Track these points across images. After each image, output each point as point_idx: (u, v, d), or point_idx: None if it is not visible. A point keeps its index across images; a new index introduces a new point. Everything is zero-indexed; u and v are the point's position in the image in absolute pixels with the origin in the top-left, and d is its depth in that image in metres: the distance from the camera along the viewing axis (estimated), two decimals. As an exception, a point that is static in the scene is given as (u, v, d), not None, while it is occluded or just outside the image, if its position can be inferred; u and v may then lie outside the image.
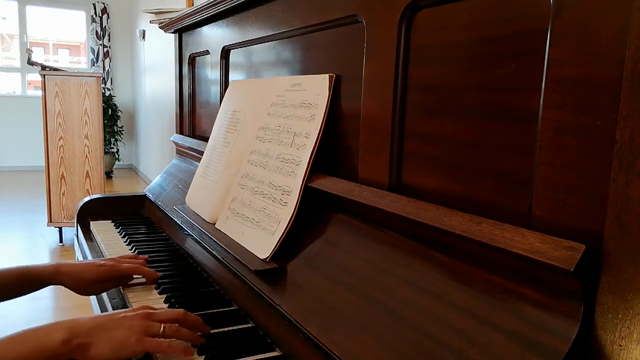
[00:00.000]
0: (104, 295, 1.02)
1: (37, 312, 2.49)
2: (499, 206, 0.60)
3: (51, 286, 0.97)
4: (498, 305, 0.52)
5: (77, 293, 0.99)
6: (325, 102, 0.87)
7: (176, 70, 1.75)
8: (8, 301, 0.94)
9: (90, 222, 1.52)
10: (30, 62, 3.60)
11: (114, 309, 0.96)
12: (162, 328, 0.72)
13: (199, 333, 0.78)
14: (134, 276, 1.02)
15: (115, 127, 6.79)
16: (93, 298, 1.06)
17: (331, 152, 0.90)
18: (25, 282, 0.95)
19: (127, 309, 0.76)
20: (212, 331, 0.81)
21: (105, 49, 7.03)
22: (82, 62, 7.58)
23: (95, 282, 0.97)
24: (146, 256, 1.11)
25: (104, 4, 6.96)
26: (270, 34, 1.10)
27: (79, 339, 0.68)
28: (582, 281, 0.46)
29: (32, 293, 0.97)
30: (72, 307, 2.56)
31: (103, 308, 0.99)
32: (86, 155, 3.56)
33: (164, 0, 4.57)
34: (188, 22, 1.52)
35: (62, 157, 3.50)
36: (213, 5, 1.28)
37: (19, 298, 0.96)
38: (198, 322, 0.78)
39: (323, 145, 0.88)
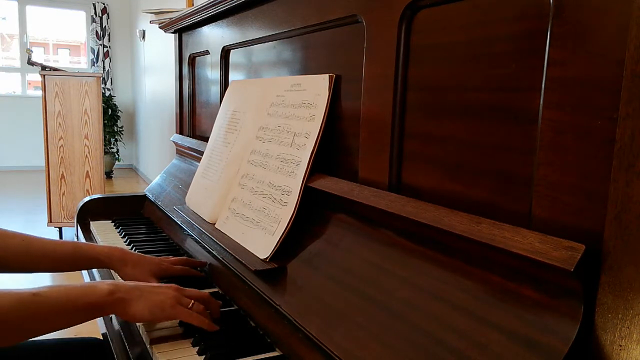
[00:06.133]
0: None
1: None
2: (499, 206, 0.60)
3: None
4: (498, 305, 0.52)
5: (123, 279, 0.98)
6: (325, 102, 0.87)
7: (176, 70, 1.75)
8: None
9: (90, 222, 1.52)
10: (30, 62, 3.60)
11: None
12: (191, 303, 0.79)
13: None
14: None
15: (115, 127, 6.79)
16: None
17: (331, 152, 0.90)
18: (79, 258, 0.96)
19: (159, 284, 0.84)
20: (212, 331, 0.81)
21: (105, 49, 7.03)
22: (82, 62, 7.58)
23: (150, 275, 0.97)
24: (199, 262, 1.10)
25: (104, 4, 6.95)
26: (270, 34, 1.10)
27: (122, 294, 0.75)
28: (582, 281, 0.46)
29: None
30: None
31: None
32: (86, 155, 3.56)
33: (164, 0, 4.57)
34: (188, 22, 1.52)
35: (62, 157, 3.50)
36: (213, 5, 1.28)
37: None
38: (218, 307, 0.85)
39: (323, 145, 0.88)
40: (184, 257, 1.10)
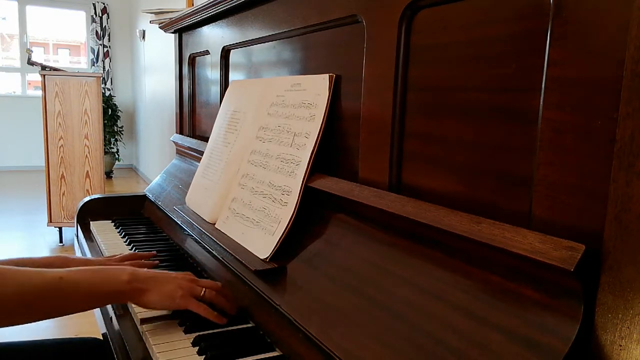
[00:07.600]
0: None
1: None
2: (499, 206, 0.60)
3: None
4: (498, 305, 0.52)
5: None
6: (325, 102, 0.87)
7: (176, 70, 1.75)
8: None
9: (90, 222, 1.52)
10: (30, 62, 3.59)
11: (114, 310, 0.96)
12: (203, 291, 0.84)
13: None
14: None
15: (115, 127, 6.78)
16: None
17: (331, 152, 0.90)
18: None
19: (176, 272, 0.88)
20: (212, 331, 0.81)
21: (105, 49, 7.03)
22: (82, 62, 7.57)
23: None
24: (148, 253, 1.12)
25: (104, 4, 6.95)
26: (270, 34, 1.10)
27: (138, 283, 0.80)
28: (582, 281, 0.46)
29: None
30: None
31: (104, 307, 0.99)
32: (86, 155, 3.56)
33: (164, 0, 4.57)
34: (188, 22, 1.52)
35: (62, 157, 3.50)
36: (213, 5, 1.28)
37: None
38: (230, 297, 0.89)
39: (323, 145, 0.88)
40: (131, 252, 1.11)
